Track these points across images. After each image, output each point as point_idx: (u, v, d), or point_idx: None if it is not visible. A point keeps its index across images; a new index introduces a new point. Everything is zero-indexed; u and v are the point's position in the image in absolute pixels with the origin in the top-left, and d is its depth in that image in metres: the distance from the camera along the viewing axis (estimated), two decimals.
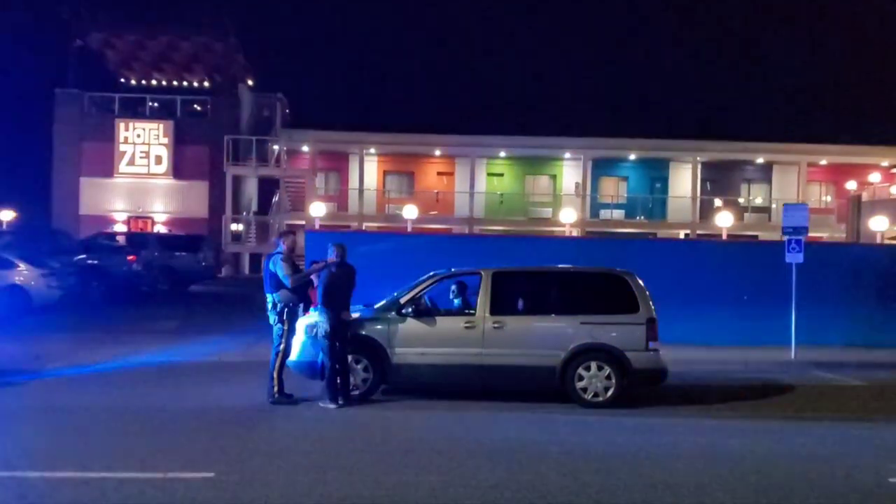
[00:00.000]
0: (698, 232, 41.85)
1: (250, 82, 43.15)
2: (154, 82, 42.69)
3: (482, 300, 10.87)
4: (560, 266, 12.02)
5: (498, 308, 10.82)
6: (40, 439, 8.34)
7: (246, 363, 13.83)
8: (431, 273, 11.42)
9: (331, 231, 26.76)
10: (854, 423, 10.16)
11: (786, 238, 16.27)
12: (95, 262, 24.01)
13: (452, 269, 11.52)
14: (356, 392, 10.59)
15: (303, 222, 40.16)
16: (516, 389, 10.95)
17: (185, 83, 42.74)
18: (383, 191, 43.62)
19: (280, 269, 10.39)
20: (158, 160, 38.99)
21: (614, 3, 77.01)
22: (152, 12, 38.38)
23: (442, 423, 9.52)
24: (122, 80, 42.37)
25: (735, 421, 10.10)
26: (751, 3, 69.19)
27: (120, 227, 37.67)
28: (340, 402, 10.26)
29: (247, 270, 40.76)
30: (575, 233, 40.96)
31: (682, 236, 41.99)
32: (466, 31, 74.62)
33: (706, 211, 43.41)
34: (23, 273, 20.83)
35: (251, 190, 42.57)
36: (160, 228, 38.05)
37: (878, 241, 29.97)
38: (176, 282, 28.35)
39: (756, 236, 41.10)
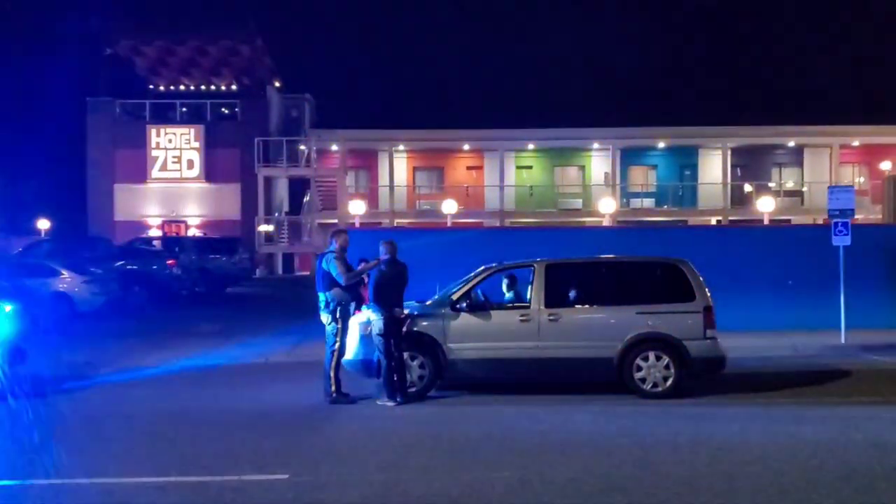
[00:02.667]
0: (730, 218, 41.44)
1: (277, 84, 43.34)
2: (182, 87, 43.02)
3: (536, 293, 10.79)
4: (613, 255, 11.91)
5: (553, 300, 10.74)
6: (112, 444, 8.40)
7: (294, 363, 13.90)
8: (483, 267, 11.36)
9: (369, 229, 26.75)
10: None
11: (832, 221, 16.01)
12: (135, 267, 24.27)
13: (505, 263, 11.45)
14: (413, 389, 10.56)
15: (335, 220, 40.28)
16: (573, 382, 10.88)
17: (212, 87, 43.01)
18: (413, 187, 43.66)
19: (334, 267, 10.38)
20: (190, 164, 39.32)
21: None
22: (179, 18, 38.64)
23: (504, 418, 9.48)
24: (151, 86, 42.75)
25: (800, 408, 9.94)
26: None
27: (154, 232, 38.01)
28: (398, 399, 10.25)
29: (280, 271, 40.96)
30: (605, 222, 40.80)
31: (713, 223, 41.61)
32: (491, 23, 74.39)
33: (737, 197, 42.99)
34: (66, 280, 21.15)
35: (282, 191, 42.79)
36: (194, 232, 38.35)
37: None
38: (213, 284, 28.59)
39: (789, 220, 40.57)
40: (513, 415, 9.64)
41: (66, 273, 21.29)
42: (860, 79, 57.41)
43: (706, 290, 10.81)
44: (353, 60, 60.68)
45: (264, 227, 39.54)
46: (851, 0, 65.52)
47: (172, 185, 39.63)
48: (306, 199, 41.50)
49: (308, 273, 38.52)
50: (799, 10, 68.42)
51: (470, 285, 11.02)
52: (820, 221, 41.83)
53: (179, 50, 41.10)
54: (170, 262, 25.11)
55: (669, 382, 10.50)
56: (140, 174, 39.24)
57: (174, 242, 30.55)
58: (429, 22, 70.11)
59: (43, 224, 38.49)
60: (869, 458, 7.43)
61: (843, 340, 15.18)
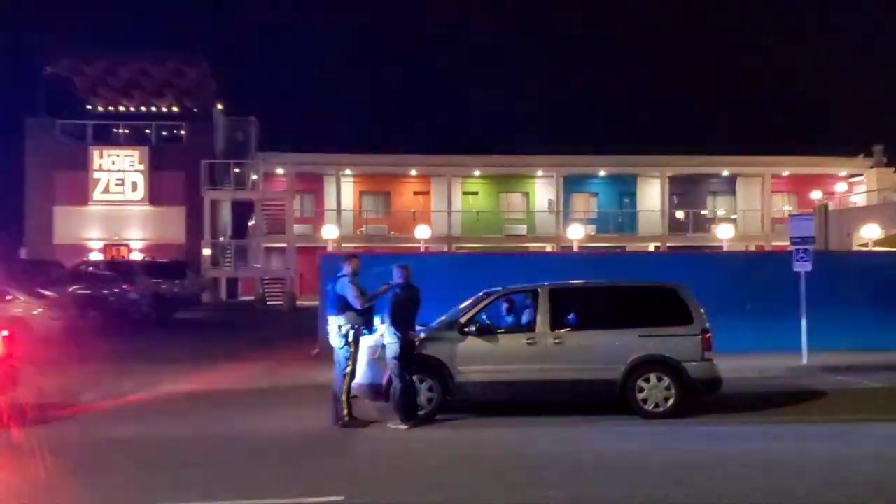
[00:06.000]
0: (668, 244, 42.70)
1: (220, 106, 42.79)
2: (122, 108, 42.08)
3: (541, 316, 11.04)
4: (615, 281, 12.25)
5: (557, 324, 11.02)
6: (140, 472, 8.26)
7: (279, 389, 13.80)
8: (485, 291, 11.59)
9: (339, 253, 26.55)
10: None
11: (793, 248, 16.74)
12: (90, 291, 23.62)
13: (511, 287, 11.70)
14: (422, 412, 10.66)
15: (283, 245, 39.99)
16: (578, 403, 11.15)
17: (153, 108, 42.22)
18: (360, 211, 43.68)
19: (349, 291, 10.44)
20: (134, 187, 38.41)
21: (578, 24, 78.51)
22: (123, 38, 38.00)
23: (526, 440, 9.65)
24: (90, 106, 41.65)
25: (798, 425, 10.45)
26: (715, 22, 71.20)
27: (96, 256, 36.94)
28: (411, 422, 10.34)
29: (224, 295, 40.23)
30: (548, 248, 41.67)
31: (651, 248, 42.83)
32: (439, 51, 75.27)
33: (674, 224, 44.41)
34: (22, 305, 20.45)
35: (227, 214, 42.16)
36: (137, 255, 37.43)
37: (849, 247, 31.04)
38: (163, 309, 27.99)
39: (721, 247, 41.96)
40: (531, 436, 9.83)
41: (21, 297, 20.61)
42: (791, 109, 60.11)
43: (703, 313, 11.26)
44: (300, 84, 60.53)
45: (208, 251, 38.87)
46: (781, 35, 68.56)
47: (115, 207, 38.60)
48: (251, 222, 41.02)
49: (252, 297, 37.99)
50: (735, 43, 71.24)
51: (476, 309, 11.22)
52: (752, 248, 43.55)
53: (122, 70, 40.14)
54: (126, 286, 24.51)
55: (670, 403, 10.86)
56: (81, 196, 38.12)
57: (124, 266, 29.79)
58: (375, 47, 70.53)
59: None
60: (887, 473, 7.89)
61: (804, 362, 15.84)
